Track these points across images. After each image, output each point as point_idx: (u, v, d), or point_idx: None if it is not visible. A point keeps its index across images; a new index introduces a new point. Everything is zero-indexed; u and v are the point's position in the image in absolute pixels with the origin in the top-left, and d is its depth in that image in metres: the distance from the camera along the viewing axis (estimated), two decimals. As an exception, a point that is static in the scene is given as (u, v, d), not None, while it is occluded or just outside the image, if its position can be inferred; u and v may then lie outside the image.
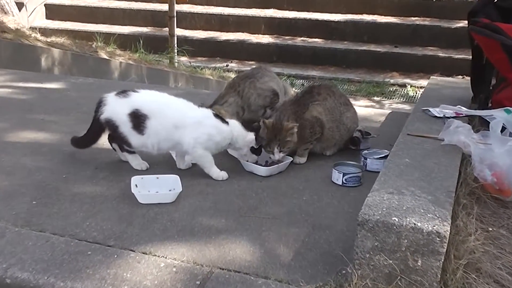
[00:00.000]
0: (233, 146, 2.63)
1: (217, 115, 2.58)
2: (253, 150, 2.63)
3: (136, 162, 2.63)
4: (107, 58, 6.00)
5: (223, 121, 2.57)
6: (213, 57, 8.87)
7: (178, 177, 2.42)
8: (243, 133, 2.59)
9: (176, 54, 7.37)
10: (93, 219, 2.13)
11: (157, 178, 2.43)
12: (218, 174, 2.55)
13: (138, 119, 2.46)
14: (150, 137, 2.47)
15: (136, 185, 2.35)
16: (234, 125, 2.60)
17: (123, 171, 2.60)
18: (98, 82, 4.60)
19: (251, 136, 2.60)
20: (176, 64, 7.22)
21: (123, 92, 2.53)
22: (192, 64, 7.72)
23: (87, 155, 2.75)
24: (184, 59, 7.80)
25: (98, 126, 2.55)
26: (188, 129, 2.48)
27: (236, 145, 2.61)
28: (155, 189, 2.38)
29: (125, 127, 2.48)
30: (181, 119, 2.49)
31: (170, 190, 2.37)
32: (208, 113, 2.57)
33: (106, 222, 2.11)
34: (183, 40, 8.13)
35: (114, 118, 2.49)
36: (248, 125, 2.65)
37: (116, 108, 2.49)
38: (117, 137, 2.55)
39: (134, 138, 2.49)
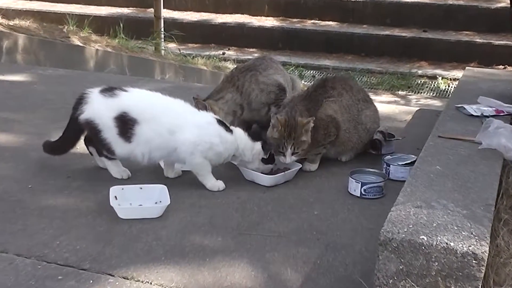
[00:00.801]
0: (239, 160, 2.63)
1: (220, 122, 2.59)
2: (265, 161, 2.63)
3: (116, 169, 2.64)
4: (80, 44, 6.01)
5: (227, 129, 2.57)
6: (207, 44, 8.88)
7: (165, 187, 2.43)
8: (250, 143, 2.59)
9: (163, 40, 7.38)
10: (65, 238, 2.14)
11: (141, 188, 2.44)
12: (214, 184, 2.56)
13: (125, 125, 2.46)
14: (140, 146, 2.48)
15: (115, 197, 2.36)
16: (239, 134, 2.59)
17: (100, 180, 2.61)
18: (70, 73, 4.62)
19: (258, 146, 2.60)
20: (163, 52, 7.23)
21: (109, 90, 2.53)
22: (182, 52, 7.72)
23: (58, 161, 2.76)
24: (172, 46, 7.80)
25: (76, 127, 2.56)
26: (186, 134, 2.48)
27: (244, 158, 2.61)
28: (138, 201, 2.38)
29: (109, 133, 2.49)
30: (178, 124, 2.49)
31: (156, 203, 2.38)
32: (210, 118, 2.58)
33: (80, 241, 2.12)
34: (171, 23, 8.15)
35: (97, 121, 2.49)
36: (252, 133, 2.64)
37: (100, 108, 2.49)
38: (98, 143, 2.56)
39: (119, 145, 2.50)
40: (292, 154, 2.66)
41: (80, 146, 2.71)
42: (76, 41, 6.06)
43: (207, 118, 2.57)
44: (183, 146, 2.48)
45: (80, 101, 2.54)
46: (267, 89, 3.11)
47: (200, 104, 2.89)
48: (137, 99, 2.55)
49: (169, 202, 2.34)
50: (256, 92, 3.09)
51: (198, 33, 8.92)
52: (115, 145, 2.50)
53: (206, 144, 2.48)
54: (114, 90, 2.53)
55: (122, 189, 2.41)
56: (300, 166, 2.76)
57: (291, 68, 7.72)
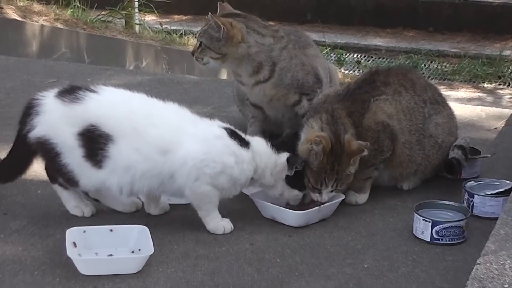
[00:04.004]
0: (258, 183, 2.65)
1: (233, 133, 2.59)
2: (292, 183, 2.64)
3: (73, 203, 2.66)
4: (18, 18, 6.06)
5: (242, 142, 2.57)
6: (200, 15, 8.92)
7: (146, 229, 2.45)
8: (272, 157, 2.61)
9: (137, 10, 7.41)
10: (2, 303, 2.18)
11: (111, 231, 2.47)
12: (218, 224, 2.59)
13: (94, 143, 2.49)
14: (116, 174, 2.50)
15: (74, 244, 2.38)
16: (258, 146, 2.60)
17: (51, 218, 2.63)
18: (3, 61, 4.64)
19: (282, 159, 2.61)
20: (137, 28, 7.26)
21: (70, 92, 2.55)
22: (165, 27, 7.76)
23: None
24: (151, 19, 7.85)
25: (25, 147, 2.58)
26: (187, 151, 2.49)
27: (263, 181, 2.62)
28: (107, 250, 2.41)
29: (72, 156, 2.50)
30: (173, 140, 2.50)
31: (133, 252, 2.41)
32: (218, 130, 2.58)
33: (24, 308, 2.16)
34: (148, -14, 8.20)
35: (54, 139, 2.51)
36: (280, 143, 2.65)
37: (58, 121, 2.51)
38: (55, 170, 2.57)
39: (85, 174, 2.52)
40: (331, 191, 2.68)
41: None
42: (11, 13, 6.11)
43: (214, 130, 2.58)
44: (184, 168, 2.49)
45: (28, 111, 2.56)
46: (307, 68, 3.12)
47: (218, 19, 2.91)
48: (111, 105, 2.56)
49: (152, 251, 2.35)
50: (297, 61, 3.09)
51: (188, 1, 8.96)
52: (79, 174, 2.52)
53: (216, 165, 2.50)
54: (77, 91, 2.55)
55: (84, 231, 2.44)
56: (343, 197, 2.78)
57: (326, 51, 7.73)
